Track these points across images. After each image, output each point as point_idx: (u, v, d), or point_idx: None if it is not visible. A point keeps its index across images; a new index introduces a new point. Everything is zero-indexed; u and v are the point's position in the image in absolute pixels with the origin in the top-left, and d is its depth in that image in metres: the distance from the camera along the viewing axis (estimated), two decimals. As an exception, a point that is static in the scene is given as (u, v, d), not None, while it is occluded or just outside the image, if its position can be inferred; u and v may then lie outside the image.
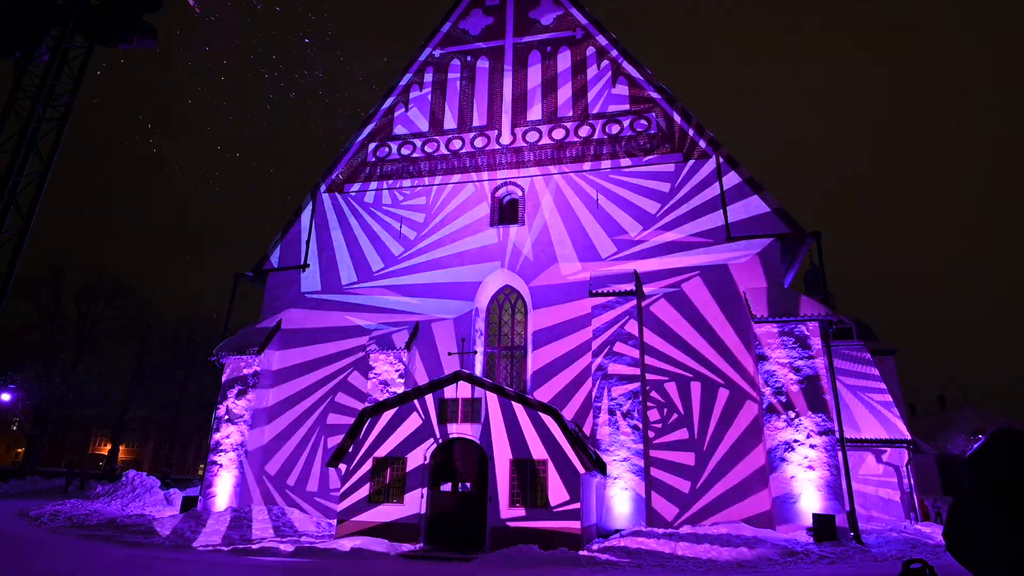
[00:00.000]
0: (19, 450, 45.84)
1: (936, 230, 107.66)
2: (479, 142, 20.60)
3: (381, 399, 15.71)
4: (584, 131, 19.76)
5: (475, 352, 16.43)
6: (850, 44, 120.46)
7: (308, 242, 20.62)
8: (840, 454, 14.42)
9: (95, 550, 11.58)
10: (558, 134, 19.95)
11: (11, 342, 33.70)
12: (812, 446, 14.31)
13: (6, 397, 33.50)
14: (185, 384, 41.43)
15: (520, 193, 19.55)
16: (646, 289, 17.18)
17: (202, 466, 25.47)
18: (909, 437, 19.79)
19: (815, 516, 13.29)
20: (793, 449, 14.38)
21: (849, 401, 20.16)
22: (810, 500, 13.85)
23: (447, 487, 13.14)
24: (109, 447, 45.45)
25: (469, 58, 22.11)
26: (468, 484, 13.08)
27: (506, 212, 19.74)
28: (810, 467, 14.14)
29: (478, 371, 17.98)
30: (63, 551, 11.35)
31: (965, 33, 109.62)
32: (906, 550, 12.46)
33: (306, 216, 21.06)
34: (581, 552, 11.50)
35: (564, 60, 21.13)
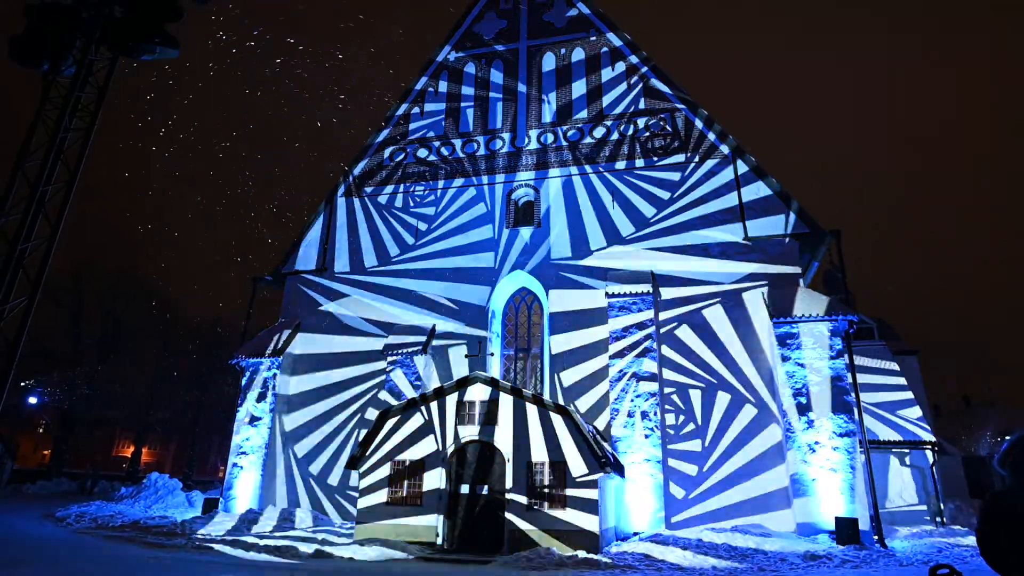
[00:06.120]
0: (45, 452, 46.78)
1: (959, 227, 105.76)
2: (493, 145, 20.65)
3: (398, 402, 15.79)
4: (599, 132, 19.73)
5: (492, 354, 16.45)
6: (882, 32, 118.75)
7: (325, 246, 20.81)
8: (863, 456, 14.21)
9: (120, 551, 11.79)
10: (573, 135, 19.94)
11: (38, 346, 34.40)
12: (834, 448, 14.11)
13: (33, 400, 34.24)
14: (207, 386, 41.97)
15: (535, 195, 19.56)
16: (662, 289, 17.08)
17: (223, 468, 25.79)
18: (933, 438, 19.45)
19: (837, 519, 13.12)
20: (814, 451, 14.20)
21: (871, 402, 19.86)
22: (832, 503, 13.67)
23: (464, 489, 13.16)
24: (132, 449, 46.21)
25: (484, 61, 22.18)
26: (485, 486, 13.10)
27: (522, 214, 19.76)
28: (832, 469, 13.95)
29: (495, 373, 18.01)
30: (90, 552, 11.57)
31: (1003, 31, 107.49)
32: (932, 555, 12.25)
33: (324, 220, 21.26)
34: (599, 555, 11.46)
35: (578, 62, 21.12)
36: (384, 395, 17.66)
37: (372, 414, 17.86)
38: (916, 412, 20.43)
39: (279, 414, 18.71)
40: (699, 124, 18.84)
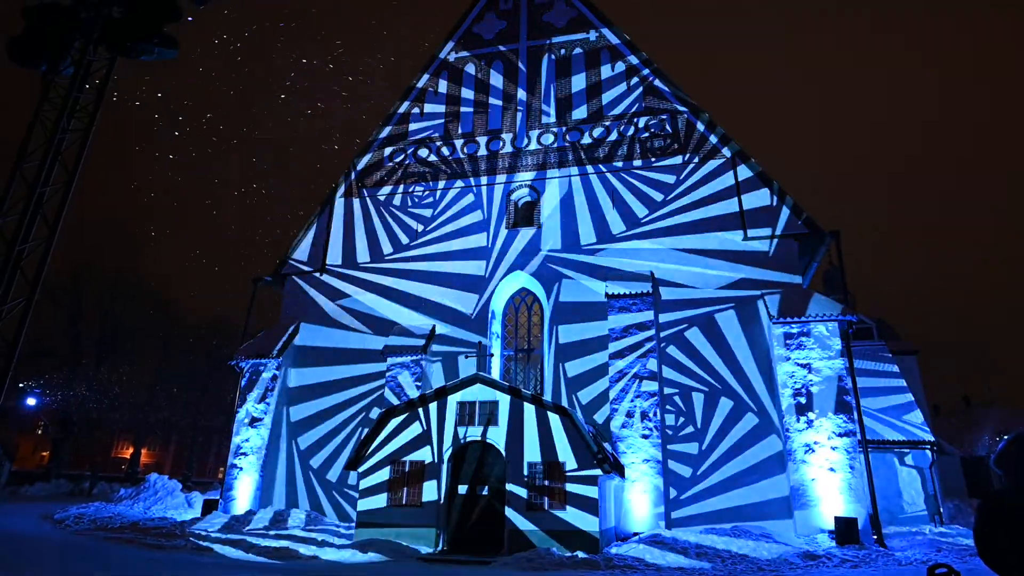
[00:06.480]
0: (44, 453, 46.73)
1: (959, 227, 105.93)
2: (493, 145, 20.64)
3: (399, 403, 15.78)
4: (599, 133, 19.73)
5: (492, 355, 16.43)
6: (896, 40, 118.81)
7: (325, 246, 20.79)
8: (862, 456, 14.21)
9: (120, 552, 11.78)
10: (573, 136, 19.95)
11: (37, 346, 34.34)
12: (833, 448, 14.12)
13: (32, 402, 34.20)
14: (206, 387, 41.93)
15: (535, 195, 19.56)
16: (662, 289, 17.09)
17: (223, 469, 25.75)
18: (933, 438, 19.46)
19: (837, 519, 13.12)
20: (814, 451, 14.20)
21: (871, 402, 19.86)
22: (832, 503, 13.67)
23: (465, 490, 13.16)
24: (131, 450, 46.17)
25: (484, 62, 22.18)
26: (486, 487, 13.10)
27: (521, 214, 19.76)
28: (831, 469, 13.96)
29: (495, 374, 17.99)
30: (89, 553, 11.55)
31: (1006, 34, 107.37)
32: (931, 554, 12.25)
33: (323, 220, 21.24)
34: (599, 555, 11.46)
35: (578, 62, 21.12)
36: (387, 395, 17.66)
37: (376, 414, 17.88)
38: (915, 412, 20.44)
39: (279, 415, 18.68)
40: (700, 126, 18.84)
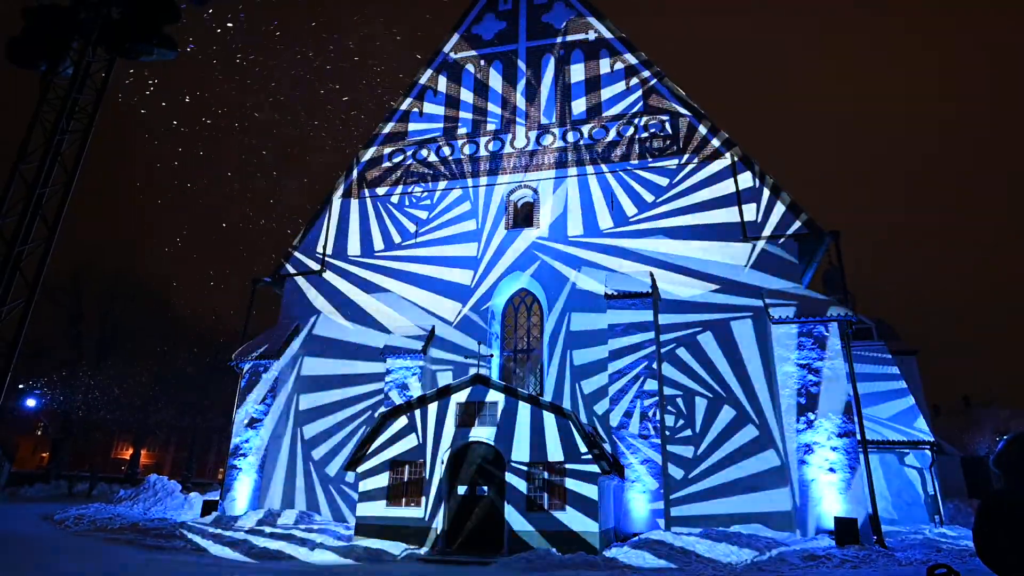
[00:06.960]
0: (44, 455, 46.71)
1: (959, 227, 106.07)
2: (493, 145, 20.65)
3: (399, 403, 15.77)
4: (598, 133, 19.74)
5: (491, 355, 16.41)
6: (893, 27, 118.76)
7: (324, 247, 20.80)
8: (862, 456, 14.21)
9: (119, 553, 11.77)
10: (573, 136, 19.95)
11: (36, 347, 34.28)
12: (833, 448, 14.13)
13: (32, 403, 34.17)
14: (206, 388, 41.89)
15: (535, 196, 19.56)
16: (662, 290, 17.09)
17: (222, 469, 25.73)
18: (932, 439, 19.45)
19: (837, 519, 13.12)
20: (813, 451, 14.21)
21: (870, 402, 19.86)
22: (831, 503, 13.67)
23: (464, 490, 13.15)
24: (131, 451, 46.15)
25: (483, 62, 22.19)
26: (485, 487, 13.09)
27: (521, 215, 19.76)
28: (831, 469, 13.96)
29: (495, 374, 17.99)
30: (88, 554, 11.55)
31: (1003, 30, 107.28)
32: (931, 554, 12.24)
33: (323, 221, 21.25)
34: (599, 555, 11.45)
35: (577, 63, 21.13)
36: (388, 395, 17.65)
37: (378, 414, 17.86)
38: (915, 412, 20.44)
39: (278, 415, 18.67)
40: (700, 127, 18.84)
